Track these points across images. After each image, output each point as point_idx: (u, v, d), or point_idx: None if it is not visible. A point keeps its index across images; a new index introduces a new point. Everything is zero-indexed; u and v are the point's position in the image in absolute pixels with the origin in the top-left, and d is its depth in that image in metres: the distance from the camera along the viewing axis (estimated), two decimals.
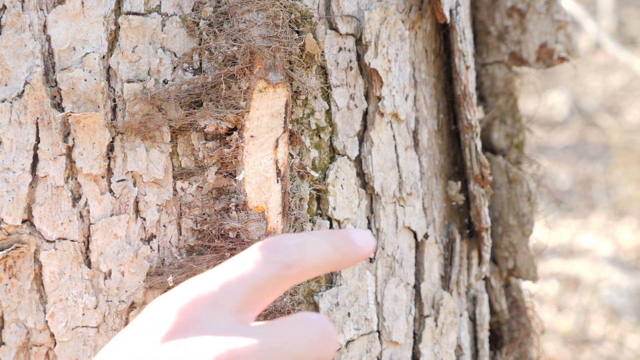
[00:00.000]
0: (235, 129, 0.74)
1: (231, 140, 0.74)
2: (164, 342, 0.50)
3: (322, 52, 0.80)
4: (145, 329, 0.52)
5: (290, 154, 0.78)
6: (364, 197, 0.84)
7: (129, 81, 0.73)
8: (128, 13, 0.73)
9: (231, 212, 0.74)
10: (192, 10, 0.74)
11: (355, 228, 0.59)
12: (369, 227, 0.85)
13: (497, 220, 1.03)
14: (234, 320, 0.52)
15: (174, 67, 0.74)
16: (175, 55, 0.74)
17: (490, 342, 1.03)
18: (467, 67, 0.91)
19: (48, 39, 0.72)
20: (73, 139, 0.73)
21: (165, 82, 0.74)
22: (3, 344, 0.74)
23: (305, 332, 0.51)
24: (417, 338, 0.89)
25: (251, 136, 0.74)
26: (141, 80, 0.73)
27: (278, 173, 0.76)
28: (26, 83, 0.72)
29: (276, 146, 0.76)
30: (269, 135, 0.75)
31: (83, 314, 0.74)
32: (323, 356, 0.51)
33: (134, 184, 0.74)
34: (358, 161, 0.84)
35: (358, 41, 0.83)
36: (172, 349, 0.49)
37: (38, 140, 0.73)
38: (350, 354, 0.82)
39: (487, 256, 0.96)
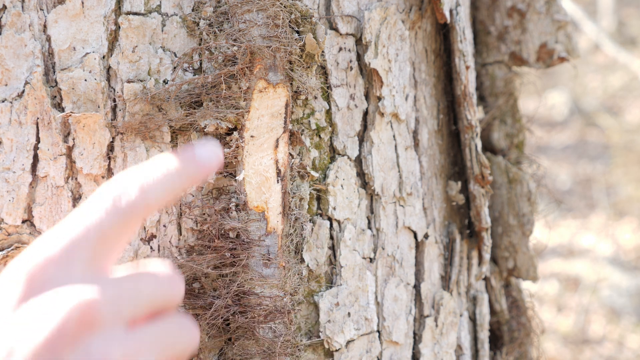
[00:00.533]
0: (235, 129, 0.74)
1: (231, 140, 0.74)
2: (17, 308, 0.50)
3: (322, 52, 0.80)
4: None
5: (291, 154, 0.78)
6: (364, 197, 0.84)
7: (129, 81, 0.73)
8: (128, 13, 0.73)
9: (231, 212, 0.74)
10: (192, 10, 0.74)
11: (203, 144, 0.59)
12: (369, 227, 0.85)
13: (497, 220, 1.03)
14: (88, 272, 0.52)
15: (174, 67, 0.74)
16: (176, 55, 0.74)
17: (490, 342, 1.03)
18: (467, 67, 0.91)
19: (48, 39, 0.72)
20: (73, 139, 0.73)
21: (165, 82, 0.74)
22: None
23: (152, 278, 0.54)
24: (417, 338, 0.89)
25: (251, 136, 0.74)
26: (141, 80, 0.73)
27: (278, 173, 0.76)
28: (26, 83, 0.72)
29: (276, 146, 0.76)
30: (269, 135, 0.75)
31: None
32: (171, 298, 0.54)
33: None
34: (358, 161, 0.84)
35: (358, 41, 0.83)
36: (25, 312, 0.49)
37: (38, 140, 0.73)
38: (350, 354, 0.81)
39: (487, 256, 0.96)
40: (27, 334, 0.48)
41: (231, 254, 0.73)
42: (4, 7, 0.72)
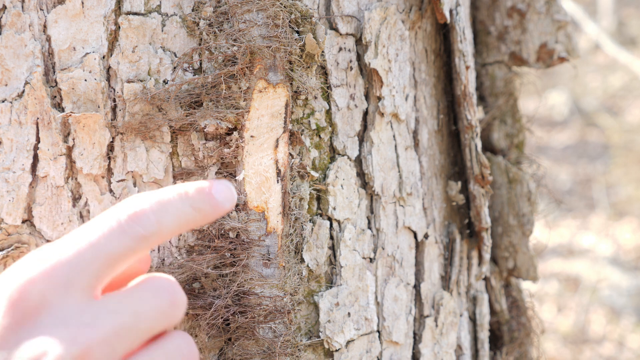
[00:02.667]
0: (235, 129, 0.74)
1: (231, 140, 0.74)
2: (5, 338, 0.47)
3: (322, 52, 0.80)
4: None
5: (291, 154, 0.78)
6: (364, 197, 0.84)
7: (129, 81, 0.73)
8: (128, 13, 0.73)
9: (231, 212, 0.74)
10: (192, 10, 0.74)
11: (219, 181, 0.57)
12: (369, 227, 0.85)
13: (497, 220, 1.03)
14: (85, 298, 0.49)
15: (174, 67, 0.74)
16: (175, 55, 0.74)
17: (490, 342, 1.03)
18: (467, 67, 0.91)
19: (48, 39, 0.73)
20: (73, 139, 0.73)
21: (165, 82, 0.74)
22: None
23: (154, 302, 0.50)
24: (417, 338, 0.89)
25: (251, 136, 0.74)
26: (141, 80, 0.73)
27: (278, 173, 0.76)
28: (26, 83, 0.72)
29: (276, 146, 0.76)
30: (269, 135, 0.75)
31: None
32: (172, 322, 0.51)
33: (134, 184, 0.74)
34: (358, 161, 0.84)
35: (358, 41, 0.83)
36: (21, 349, 0.46)
37: (38, 140, 0.73)
38: (350, 354, 0.82)
39: (487, 256, 0.96)
40: None
41: (231, 254, 0.73)
42: (4, 7, 0.72)
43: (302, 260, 0.79)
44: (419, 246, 0.90)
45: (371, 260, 0.84)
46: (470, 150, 0.93)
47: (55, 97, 0.73)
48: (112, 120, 0.73)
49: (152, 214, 0.52)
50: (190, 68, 0.74)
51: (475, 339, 0.98)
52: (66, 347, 0.45)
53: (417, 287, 0.89)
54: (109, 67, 0.73)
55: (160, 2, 0.74)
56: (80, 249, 0.50)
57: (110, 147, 0.73)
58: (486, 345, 0.99)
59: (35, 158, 0.73)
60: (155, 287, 0.52)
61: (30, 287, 0.48)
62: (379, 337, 0.85)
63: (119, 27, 0.73)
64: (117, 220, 0.51)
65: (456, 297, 0.94)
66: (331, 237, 0.81)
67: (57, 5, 0.72)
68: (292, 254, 0.78)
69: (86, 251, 0.49)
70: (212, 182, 0.57)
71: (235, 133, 0.74)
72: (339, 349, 0.81)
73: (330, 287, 0.81)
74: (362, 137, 0.84)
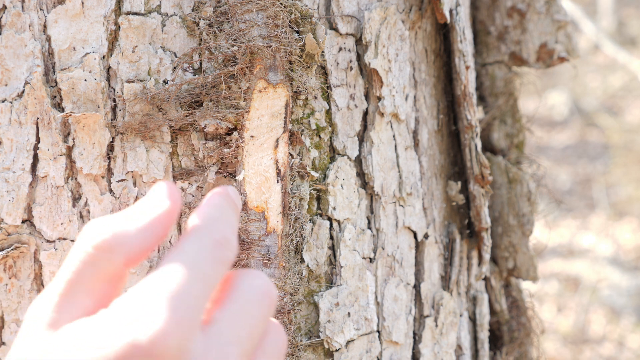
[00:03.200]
0: (235, 129, 0.74)
1: (231, 140, 0.74)
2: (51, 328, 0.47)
3: (322, 52, 0.80)
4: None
5: (290, 154, 0.78)
6: (364, 197, 0.84)
7: (129, 81, 0.73)
8: (128, 13, 0.73)
9: None
10: (192, 10, 0.74)
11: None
12: (369, 227, 0.85)
13: (497, 220, 1.03)
14: (201, 331, 0.48)
15: (174, 67, 0.74)
16: (175, 55, 0.74)
17: (490, 342, 1.03)
18: (467, 67, 0.91)
19: (48, 39, 0.73)
20: (73, 139, 0.73)
21: (165, 82, 0.74)
22: (3, 344, 0.74)
23: (259, 312, 0.51)
24: (417, 338, 0.89)
25: (251, 136, 0.74)
26: (141, 80, 0.73)
27: (278, 173, 0.76)
28: (26, 83, 0.72)
29: (276, 146, 0.76)
30: (269, 135, 0.75)
31: None
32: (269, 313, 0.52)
33: (134, 184, 0.74)
34: (358, 161, 0.84)
35: (358, 41, 0.83)
36: (64, 338, 0.46)
37: (38, 140, 0.73)
38: (350, 354, 0.81)
39: (487, 256, 0.96)
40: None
41: None
42: (4, 7, 0.72)
43: (302, 260, 0.79)
44: (419, 246, 0.90)
45: (371, 260, 0.84)
46: (470, 150, 0.93)
47: (55, 97, 0.73)
48: (112, 120, 0.73)
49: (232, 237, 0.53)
50: (190, 68, 0.74)
51: (475, 339, 0.98)
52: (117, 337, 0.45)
53: (417, 287, 0.89)
54: (109, 67, 0.73)
55: (160, 2, 0.74)
56: (192, 287, 0.48)
57: (110, 147, 0.73)
58: (486, 345, 0.99)
59: (35, 158, 0.73)
60: (255, 293, 0.52)
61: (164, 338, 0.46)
62: (379, 337, 0.85)
63: (119, 27, 0.73)
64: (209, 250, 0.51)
65: (456, 297, 0.94)
66: (331, 237, 0.81)
67: (57, 5, 0.72)
68: (292, 254, 0.78)
69: (196, 286, 0.48)
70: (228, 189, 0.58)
71: (235, 133, 0.74)
72: (339, 349, 0.81)
73: (330, 287, 0.81)
74: (362, 137, 0.84)
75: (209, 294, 0.48)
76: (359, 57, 0.84)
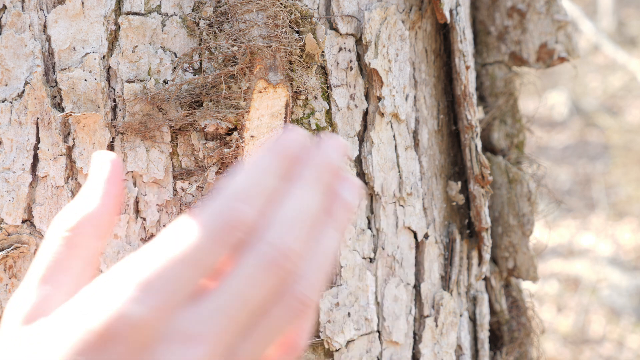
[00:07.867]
0: (235, 129, 0.74)
1: (231, 140, 0.74)
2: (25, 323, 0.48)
3: (322, 52, 0.80)
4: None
5: None
6: (364, 197, 0.84)
7: (129, 81, 0.73)
8: (128, 13, 0.73)
9: None
10: (192, 10, 0.74)
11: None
12: (369, 227, 0.85)
13: (497, 220, 1.03)
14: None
15: (174, 67, 0.74)
16: (176, 55, 0.74)
17: (490, 342, 1.03)
18: (467, 67, 0.91)
19: (48, 39, 0.72)
20: (73, 139, 0.73)
21: (165, 82, 0.74)
22: None
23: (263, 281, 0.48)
24: (417, 338, 0.89)
25: (251, 136, 0.74)
26: (141, 80, 0.73)
27: None
28: (26, 83, 0.72)
29: None
30: (269, 136, 0.75)
31: None
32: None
33: (134, 184, 0.74)
34: (358, 161, 0.84)
35: (358, 41, 0.83)
36: (34, 330, 0.47)
37: (38, 140, 0.73)
38: (350, 354, 0.82)
39: (487, 256, 0.96)
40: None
41: None
42: (4, 7, 0.72)
43: None
44: (419, 246, 0.90)
45: (371, 260, 0.84)
46: (470, 150, 0.93)
47: (55, 97, 0.73)
48: (112, 120, 0.73)
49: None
50: (190, 68, 0.74)
51: (475, 339, 0.98)
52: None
53: (417, 287, 0.89)
54: (109, 67, 0.73)
55: (160, 2, 0.74)
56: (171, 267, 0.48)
57: (110, 147, 0.73)
58: (486, 345, 0.99)
59: (35, 158, 0.73)
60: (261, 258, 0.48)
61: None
62: (379, 337, 0.85)
63: (119, 27, 0.73)
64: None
65: (456, 297, 0.94)
66: None
67: (57, 5, 0.72)
68: None
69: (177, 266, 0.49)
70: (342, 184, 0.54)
71: (235, 133, 0.74)
72: (339, 349, 0.81)
73: (330, 287, 0.81)
74: (362, 137, 0.84)
75: (198, 271, 0.46)
76: (359, 57, 0.84)
